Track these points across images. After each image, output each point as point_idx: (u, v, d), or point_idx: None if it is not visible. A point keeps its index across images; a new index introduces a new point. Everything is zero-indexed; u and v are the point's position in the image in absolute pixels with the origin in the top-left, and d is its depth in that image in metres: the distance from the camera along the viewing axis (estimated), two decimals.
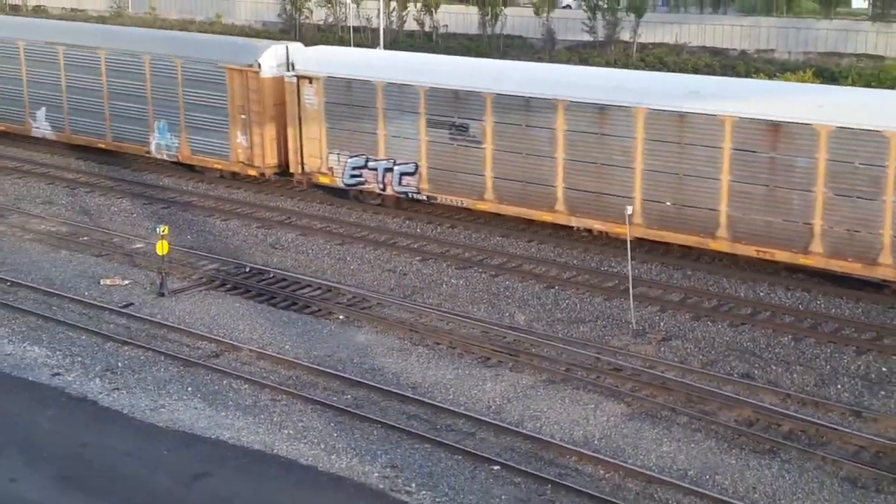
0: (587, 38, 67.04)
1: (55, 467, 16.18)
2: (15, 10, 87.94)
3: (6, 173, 33.53)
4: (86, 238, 27.17)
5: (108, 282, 23.97)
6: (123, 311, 22.27)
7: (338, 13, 75.35)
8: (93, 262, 25.41)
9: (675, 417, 17.95)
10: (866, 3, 74.13)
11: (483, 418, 17.80)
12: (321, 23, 76.44)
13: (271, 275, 24.45)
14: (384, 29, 61.64)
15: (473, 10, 71.79)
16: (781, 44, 65.14)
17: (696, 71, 55.29)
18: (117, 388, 18.78)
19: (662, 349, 20.71)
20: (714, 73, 51.75)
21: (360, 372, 19.61)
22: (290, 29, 76.78)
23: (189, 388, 18.84)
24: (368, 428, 17.51)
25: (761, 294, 23.34)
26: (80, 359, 19.98)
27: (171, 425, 17.54)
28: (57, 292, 23.19)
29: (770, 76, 49.57)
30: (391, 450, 16.83)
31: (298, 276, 24.44)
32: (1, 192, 31.50)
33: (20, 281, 23.80)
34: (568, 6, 79.87)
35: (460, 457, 16.60)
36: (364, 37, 69.64)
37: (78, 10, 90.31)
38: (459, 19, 73.78)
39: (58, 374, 19.35)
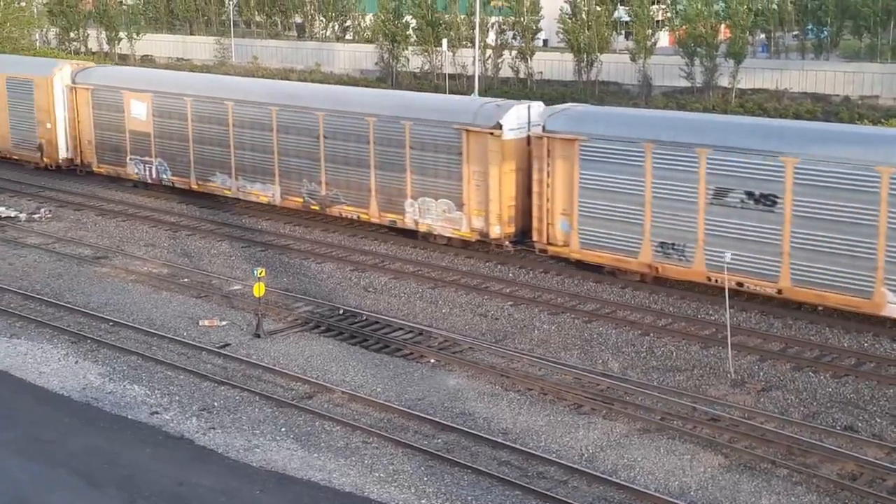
0: (684, 83, 66.54)
1: None
2: (123, 59, 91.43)
3: (111, 217, 34.67)
4: (186, 280, 27.85)
5: (206, 323, 24.46)
6: (220, 351, 22.68)
7: (434, 60, 76.40)
8: (192, 303, 25.99)
9: (774, 470, 17.39)
10: None
11: (575, 466, 17.51)
12: (417, 70, 77.60)
13: (364, 317, 24.64)
14: (479, 76, 62.20)
15: (569, 57, 71.99)
16: (886, 90, 63.60)
17: (797, 117, 54.29)
18: (213, 428, 19.06)
19: (762, 399, 20.14)
20: (817, 120, 50.72)
21: (450, 416, 19.53)
22: (387, 77, 78.17)
23: (282, 429, 19.01)
24: (459, 473, 17.38)
25: (865, 345, 22.57)
26: (177, 398, 20.37)
27: (265, 465, 17.70)
28: (157, 332, 23.75)
29: (875, 123, 48.33)
30: (482, 496, 16.66)
31: (390, 318, 24.58)
32: (106, 235, 32.55)
33: (123, 321, 24.47)
34: (545, 41, 79.54)
35: None
36: (459, 84, 70.41)
37: (183, 59, 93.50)
38: (555, 66, 74.11)
39: (156, 412, 19.75)
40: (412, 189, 29.71)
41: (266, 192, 33.08)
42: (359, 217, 31.06)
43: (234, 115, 33.48)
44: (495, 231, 28.29)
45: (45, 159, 39.60)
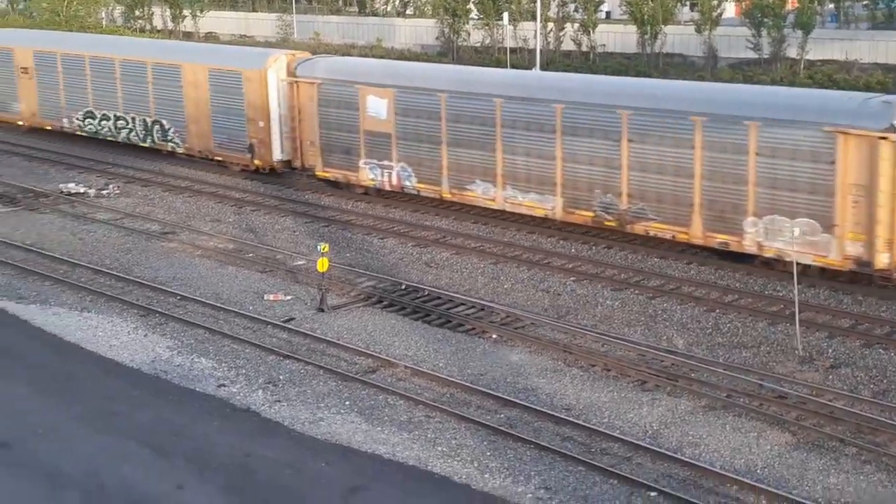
0: (751, 55, 65.29)
1: (220, 476, 16.73)
2: (188, 36, 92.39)
3: (177, 192, 35.18)
4: (251, 255, 28.18)
5: (271, 297, 24.74)
6: (285, 325, 22.93)
7: (494, 34, 75.95)
8: (257, 277, 26.30)
9: (843, 448, 17.11)
10: None
11: (639, 443, 17.41)
12: (478, 45, 77.23)
13: (426, 293, 24.71)
14: (541, 49, 61.71)
15: (632, 29, 71.04)
16: None
17: (868, 88, 52.96)
18: (279, 401, 19.32)
19: (830, 377, 19.81)
20: (887, 91, 49.38)
21: (513, 391, 19.53)
22: (448, 51, 77.93)
23: (347, 403, 19.20)
24: (521, 448, 17.39)
25: None
26: (244, 371, 20.66)
27: (330, 438, 17.90)
28: (223, 306, 24.09)
29: None
30: (544, 471, 16.67)
31: (452, 294, 24.61)
32: (173, 211, 33.05)
33: (190, 295, 24.85)
34: (608, 13, 78.03)
35: (615, 481, 16.27)
36: (521, 58, 69.96)
37: (246, 36, 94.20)
38: (618, 38, 73.19)
39: (223, 385, 20.06)
40: (756, 205, 24.48)
41: (543, 204, 28.15)
42: (674, 237, 26.14)
43: (504, 113, 28.73)
44: (882, 260, 23.01)
45: (255, 161, 35.31)
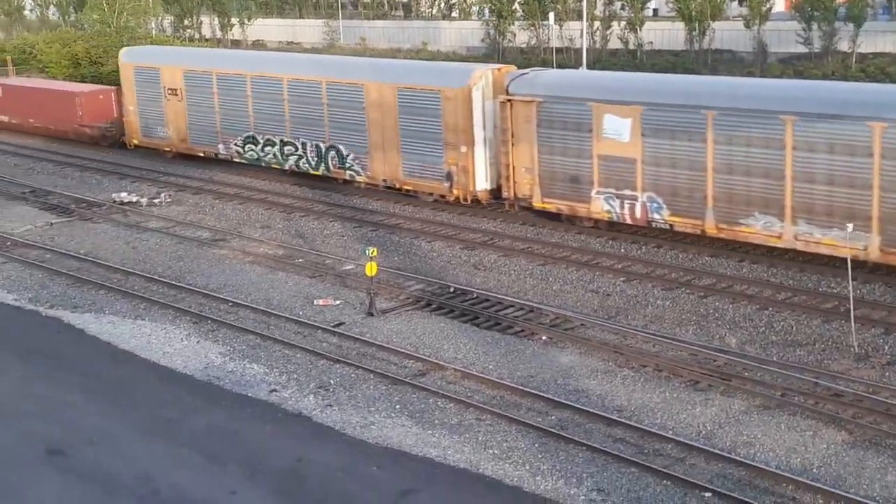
0: (802, 49, 64.39)
1: (273, 481, 16.85)
2: (236, 44, 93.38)
3: (228, 200, 35.53)
4: (300, 260, 28.36)
5: (320, 302, 24.88)
6: (335, 330, 23.04)
7: (540, 35, 75.74)
8: (307, 283, 26.47)
9: None
10: None
11: (693, 443, 17.22)
12: (524, 45, 77.08)
13: (475, 295, 24.68)
14: (587, 48, 61.40)
15: (680, 26, 70.41)
16: None
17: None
18: (330, 405, 19.41)
19: (887, 374, 19.44)
20: None
21: (563, 393, 19.43)
22: (494, 53, 77.87)
23: (397, 406, 19.23)
24: (573, 450, 17.29)
25: None
26: (295, 376, 20.80)
27: (381, 442, 17.94)
28: (274, 312, 24.27)
29: None
30: (597, 473, 16.55)
31: (501, 296, 24.55)
32: (224, 218, 33.38)
33: (241, 301, 25.07)
34: (655, 10, 77.14)
35: (669, 483, 16.12)
36: (567, 57, 69.68)
37: (293, 42, 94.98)
38: (665, 35, 72.60)
39: (275, 390, 20.20)
40: None
41: (853, 243, 23.32)
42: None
43: (797, 135, 24.20)
44: None
45: (454, 191, 31.43)
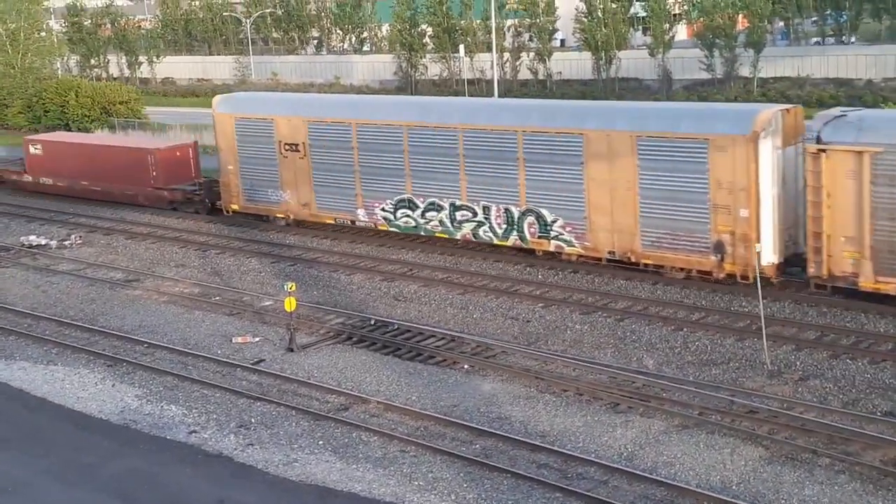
0: (705, 75, 66.21)
1: None
2: (145, 83, 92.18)
3: (140, 239, 34.95)
4: (217, 298, 28.00)
5: (239, 339, 24.59)
6: (255, 367, 22.78)
7: (452, 67, 76.48)
8: (224, 320, 26.13)
9: (816, 460, 17.22)
10: None
11: (615, 465, 17.42)
12: (436, 77, 77.74)
13: (395, 326, 24.66)
14: (498, 79, 62.17)
15: (587, 56, 71.83)
16: None
17: (821, 103, 53.81)
18: (251, 444, 19.15)
19: (800, 389, 19.97)
20: (841, 105, 50.29)
21: (487, 421, 19.50)
22: (406, 86, 78.33)
23: (320, 442, 19.07)
24: (498, 478, 17.34)
25: None
26: (214, 416, 20.48)
27: (305, 479, 17.75)
28: (191, 352, 23.90)
29: None
30: (522, 500, 16.62)
31: (422, 326, 24.59)
32: (136, 258, 32.81)
33: (157, 342, 24.63)
34: (562, 41, 79.50)
35: None
36: (479, 88, 70.44)
37: (203, 79, 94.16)
38: (573, 65, 73.99)
39: (194, 431, 19.86)
40: None
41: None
42: None
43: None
44: None
45: (725, 265, 25.04)
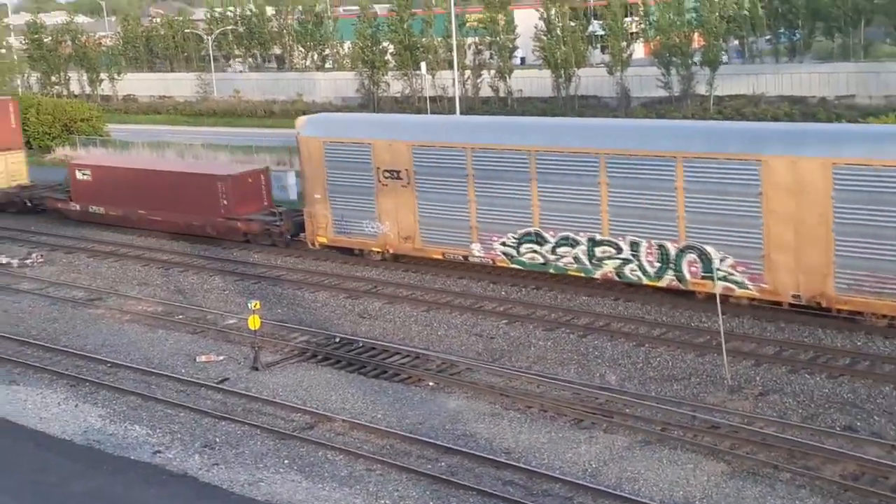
0: (662, 93, 67.08)
1: None
2: (106, 100, 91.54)
3: (102, 258, 34.70)
4: (181, 316, 27.89)
5: (203, 358, 24.51)
6: (219, 386, 22.72)
7: (413, 84, 76.80)
8: (188, 339, 26.04)
9: (777, 474, 17.50)
10: None
11: (580, 482, 17.58)
12: (398, 95, 78.01)
13: (360, 344, 24.72)
14: (460, 97, 62.54)
15: (546, 74, 72.50)
16: (861, 89, 64.36)
17: (775, 120, 54.72)
18: (216, 464, 19.10)
19: (760, 404, 20.29)
20: (794, 122, 51.17)
21: (452, 438, 19.61)
22: (369, 103, 78.51)
23: (286, 461, 19.06)
24: (464, 495, 17.44)
25: (859, 344, 22.78)
26: (179, 436, 20.40)
27: (270, 499, 17.73)
28: (155, 371, 23.79)
29: (853, 121, 48.82)
30: None
31: (387, 344, 24.67)
32: (99, 277, 32.58)
33: (120, 362, 24.48)
34: (522, 59, 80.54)
35: None
36: (441, 106, 70.80)
37: (165, 96, 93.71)
38: (533, 83, 74.62)
39: (158, 451, 19.77)
40: None
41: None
42: None
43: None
44: None
45: None
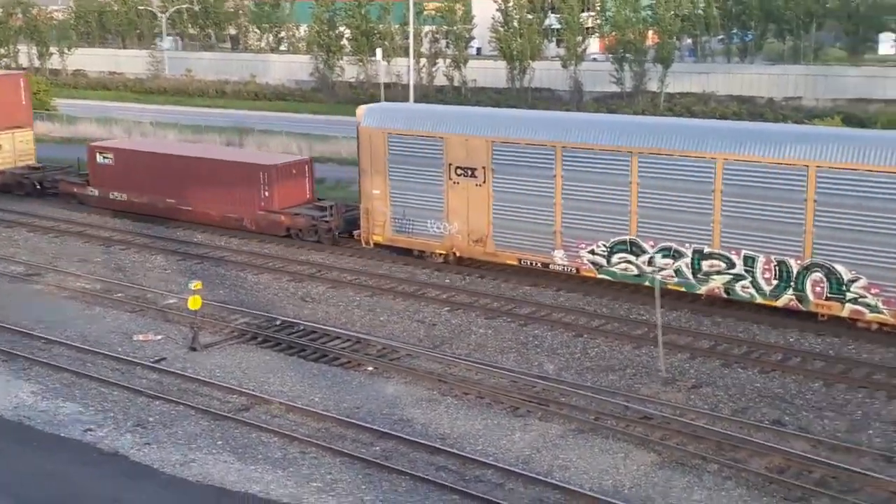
0: (615, 88, 67.54)
1: None
2: (55, 74, 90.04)
3: (42, 233, 34.19)
4: (120, 294, 27.59)
5: (141, 337, 24.28)
6: (155, 366, 22.52)
7: (368, 70, 76.51)
8: (126, 318, 25.77)
9: (705, 466, 17.78)
10: (894, 49, 74.19)
11: (512, 469, 17.72)
12: (353, 80, 77.67)
13: (301, 328, 24.65)
14: (414, 84, 62.45)
15: (501, 65, 72.64)
16: (809, 91, 65.37)
17: (724, 119, 55.39)
18: (148, 443, 18.95)
19: (692, 397, 20.58)
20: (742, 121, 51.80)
21: (388, 423, 19.64)
22: (323, 87, 78.06)
23: (219, 442, 18.97)
24: (397, 480, 17.50)
25: (791, 340, 23.21)
26: (112, 414, 20.20)
27: (202, 479, 17.64)
28: (90, 349, 23.52)
29: (798, 123, 49.60)
30: (419, 502, 16.80)
31: (328, 328, 24.62)
32: (38, 252, 32.10)
33: (55, 338, 24.16)
34: (478, 49, 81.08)
35: None
36: (395, 93, 70.59)
37: (116, 73, 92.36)
38: (488, 73, 74.68)
39: (90, 429, 19.57)
40: None
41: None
42: None
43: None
44: None
45: None
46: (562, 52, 73.23)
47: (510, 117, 29.53)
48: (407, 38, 68.48)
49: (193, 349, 23.39)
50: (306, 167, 33.33)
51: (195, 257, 31.05)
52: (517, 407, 20.23)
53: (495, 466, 17.81)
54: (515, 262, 27.42)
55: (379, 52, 69.72)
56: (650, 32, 68.97)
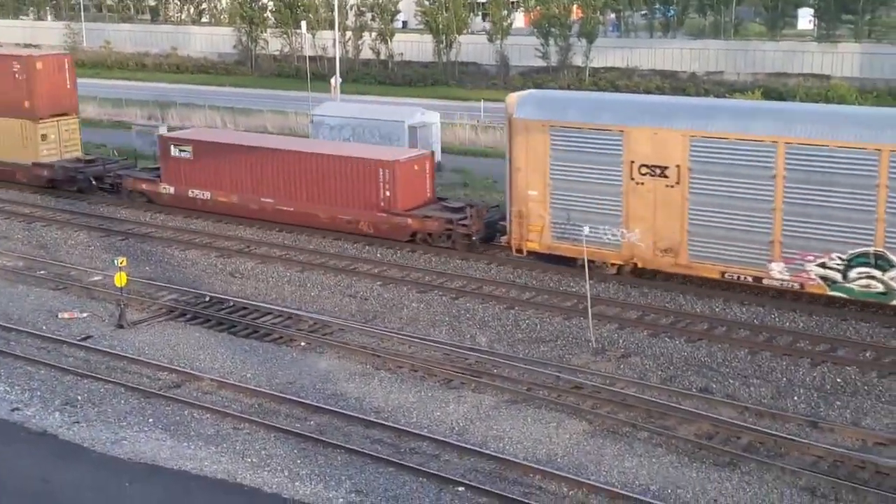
0: (540, 63, 67.82)
1: None
2: None
3: None
4: (43, 272, 26.98)
5: (65, 315, 23.79)
6: (82, 343, 22.12)
7: (293, 43, 75.58)
8: (50, 295, 25.22)
9: (635, 433, 18.14)
10: (811, 24, 75.83)
11: (447, 440, 17.86)
12: (277, 53, 76.67)
13: (231, 304, 24.41)
14: (340, 58, 61.85)
15: (428, 38, 72.37)
16: (730, 65, 66.43)
17: (647, 93, 56.07)
18: (77, 422, 18.64)
19: (622, 366, 20.95)
20: (664, 95, 52.47)
21: (322, 398, 19.62)
22: (246, 60, 76.92)
23: (150, 420, 18.74)
24: (332, 453, 17.51)
25: (717, 309, 23.72)
26: (38, 393, 19.81)
27: (133, 457, 17.44)
28: (14, 327, 22.99)
29: (720, 97, 50.44)
30: (355, 475, 16.85)
31: (259, 304, 24.42)
32: None
33: None
34: (404, 22, 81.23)
35: (425, 479, 16.64)
36: (320, 66, 69.89)
37: (32, 45, 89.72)
38: (414, 47, 74.34)
39: (17, 408, 19.17)
40: None
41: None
42: None
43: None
44: None
45: None
46: (488, 26, 73.23)
47: (713, 107, 26.00)
48: (332, 10, 67.76)
49: (121, 326, 23.02)
50: (427, 163, 29.56)
51: (119, 233, 30.48)
52: (451, 379, 20.36)
53: (430, 438, 17.93)
54: (717, 276, 23.96)
55: (304, 24, 68.88)
56: (574, 7, 69.30)
